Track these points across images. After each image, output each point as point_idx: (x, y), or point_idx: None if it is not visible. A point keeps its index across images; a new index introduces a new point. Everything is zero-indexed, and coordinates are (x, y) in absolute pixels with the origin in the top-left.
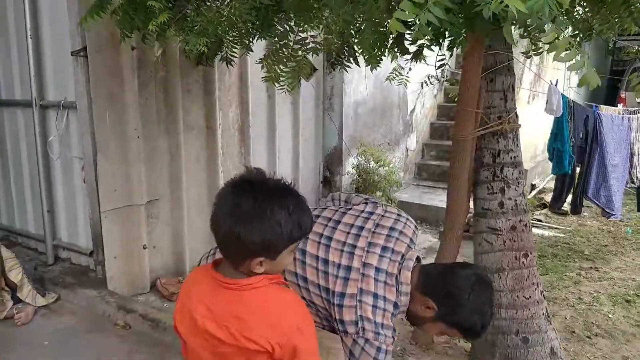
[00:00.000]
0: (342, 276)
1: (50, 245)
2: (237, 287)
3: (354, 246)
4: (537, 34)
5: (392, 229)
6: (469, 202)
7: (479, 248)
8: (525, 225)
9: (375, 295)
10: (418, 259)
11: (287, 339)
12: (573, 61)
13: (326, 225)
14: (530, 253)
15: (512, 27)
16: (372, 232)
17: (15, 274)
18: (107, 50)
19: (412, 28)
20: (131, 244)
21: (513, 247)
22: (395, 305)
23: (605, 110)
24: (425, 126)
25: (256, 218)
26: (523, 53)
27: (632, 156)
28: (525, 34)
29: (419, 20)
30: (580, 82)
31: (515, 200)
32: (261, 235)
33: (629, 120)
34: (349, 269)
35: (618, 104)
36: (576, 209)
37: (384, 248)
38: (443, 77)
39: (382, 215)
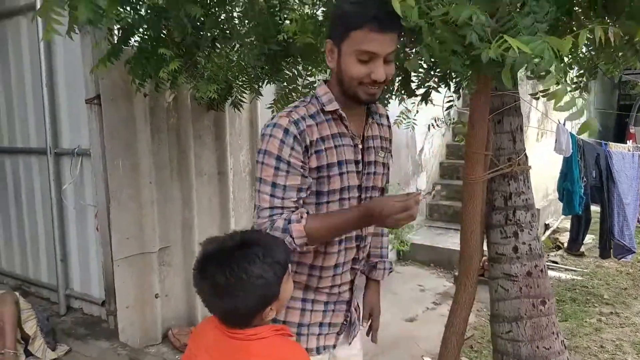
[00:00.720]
0: None
1: (62, 295)
2: (242, 337)
3: None
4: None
5: None
6: (482, 246)
7: (495, 295)
8: (542, 271)
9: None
10: None
11: None
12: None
13: None
14: (548, 300)
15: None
16: None
17: (31, 326)
18: (120, 98)
19: (419, 72)
20: (143, 293)
21: (530, 293)
22: (311, 101)
23: (614, 147)
24: (434, 166)
25: (238, 287)
26: (531, 95)
27: None
28: (531, 74)
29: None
30: (581, 129)
31: (530, 244)
32: (254, 297)
33: (639, 157)
34: None
35: (627, 140)
36: (605, 252)
37: None
38: (450, 120)
39: None
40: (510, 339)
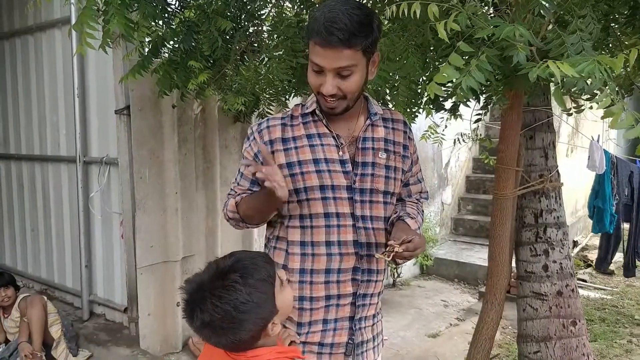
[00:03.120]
0: None
1: (86, 300)
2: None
3: None
4: (582, 96)
5: None
6: (511, 263)
7: (523, 314)
8: (572, 290)
9: None
10: None
11: None
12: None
13: None
14: (579, 321)
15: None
16: None
17: (56, 330)
18: (148, 109)
19: (448, 86)
20: (165, 301)
21: (560, 313)
22: (294, 108)
23: None
24: (460, 179)
25: (228, 320)
26: (564, 111)
27: None
28: (564, 91)
29: (460, 83)
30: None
31: (561, 263)
32: (249, 323)
33: None
34: None
35: None
36: (629, 271)
37: None
38: (477, 136)
39: None
40: (538, 359)
